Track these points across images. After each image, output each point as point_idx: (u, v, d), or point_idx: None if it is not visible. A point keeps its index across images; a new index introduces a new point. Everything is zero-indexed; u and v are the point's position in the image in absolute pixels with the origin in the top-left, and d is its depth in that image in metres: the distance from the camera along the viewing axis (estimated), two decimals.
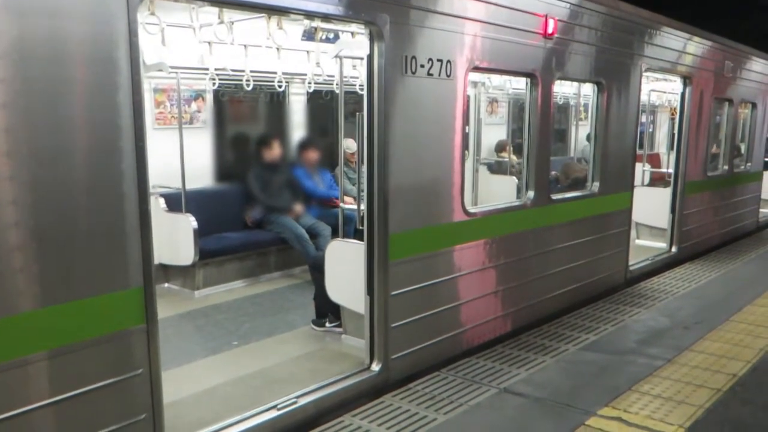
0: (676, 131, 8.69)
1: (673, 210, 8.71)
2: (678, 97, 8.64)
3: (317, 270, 5.47)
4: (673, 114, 10.91)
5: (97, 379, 3.10)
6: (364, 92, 4.39)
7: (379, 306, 4.53)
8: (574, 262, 6.55)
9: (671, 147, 9.16)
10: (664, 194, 8.83)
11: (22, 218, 2.79)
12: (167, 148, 6.38)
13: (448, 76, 4.78)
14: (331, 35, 5.92)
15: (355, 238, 5.06)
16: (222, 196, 7.27)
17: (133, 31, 3.05)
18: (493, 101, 10.42)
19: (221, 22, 5.11)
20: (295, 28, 5.72)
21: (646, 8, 7.31)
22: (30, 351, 2.87)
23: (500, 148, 9.96)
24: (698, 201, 9.17)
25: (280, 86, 6.98)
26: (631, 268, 7.68)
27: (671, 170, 8.77)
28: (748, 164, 11.12)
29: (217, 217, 6.94)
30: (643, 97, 7.95)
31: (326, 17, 4.08)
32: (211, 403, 4.21)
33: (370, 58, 4.29)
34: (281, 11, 4.00)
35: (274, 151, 7.21)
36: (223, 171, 7.47)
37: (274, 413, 3.98)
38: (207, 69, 6.57)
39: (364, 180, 4.47)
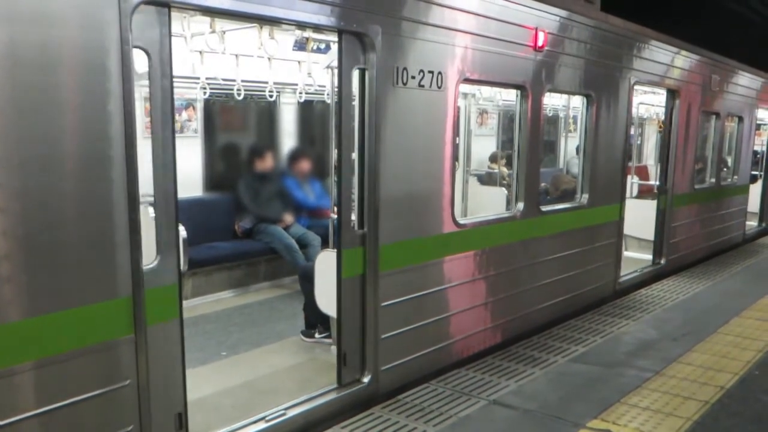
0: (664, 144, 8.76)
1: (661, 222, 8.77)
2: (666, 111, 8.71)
3: (307, 280, 5.46)
4: (660, 127, 11.01)
5: (84, 390, 3.07)
6: (356, 103, 4.40)
7: (369, 317, 4.52)
8: (564, 273, 6.57)
9: (659, 159, 9.23)
10: (652, 206, 8.89)
11: (9, 227, 2.76)
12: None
13: (439, 87, 4.80)
14: (323, 45, 5.93)
15: None
16: (212, 206, 7.24)
17: (125, 39, 3.04)
18: (483, 112, 10.47)
19: (213, 32, 5.11)
20: (286, 38, 5.73)
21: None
22: (16, 361, 2.84)
23: (494, 159, 9.99)
24: (686, 213, 9.24)
25: (271, 96, 6.98)
26: (619, 280, 7.71)
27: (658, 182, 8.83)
28: (735, 177, 11.23)
29: (206, 226, 6.91)
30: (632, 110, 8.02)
31: (318, 28, 4.09)
32: (199, 415, 4.18)
33: (362, 69, 4.30)
34: (273, 21, 4.00)
35: (267, 163, 7.20)
36: (213, 180, 7.45)
37: (262, 425, 3.95)
38: (198, 78, 6.56)
39: (355, 190, 4.47)
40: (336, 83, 4.31)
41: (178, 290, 3.51)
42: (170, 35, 3.31)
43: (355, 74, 4.33)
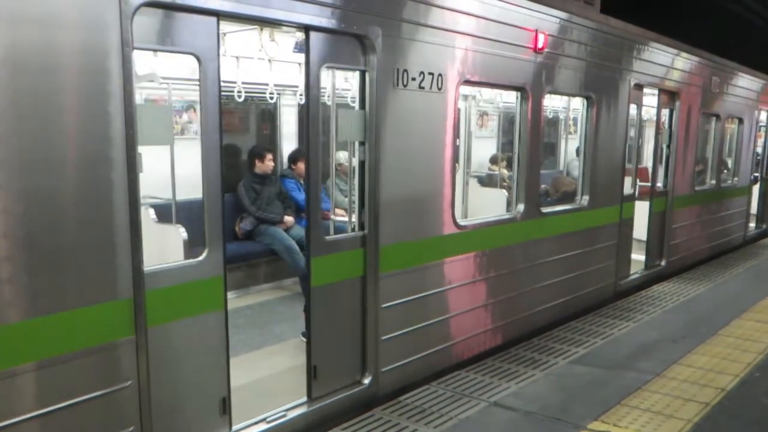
0: (663, 145, 8.75)
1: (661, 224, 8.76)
2: (666, 112, 8.71)
3: (307, 282, 5.44)
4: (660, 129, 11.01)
5: (84, 391, 3.07)
6: (356, 105, 4.40)
7: (370, 319, 4.52)
8: (564, 275, 6.57)
9: (659, 161, 9.22)
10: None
11: (10, 228, 2.77)
12: (158, 159, 6.34)
13: (440, 89, 4.81)
14: None
15: None
16: None
17: (126, 41, 3.05)
18: (483, 114, 10.46)
19: None
20: (287, 39, 5.73)
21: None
22: (16, 362, 2.85)
23: (494, 160, 9.98)
24: (686, 215, 9.23)
25: (271, 98, 6.98)
26: (620, 282, 7.71)
27: (659, 184, 8.82)
28: (735, 179, 11.23)
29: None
30: (632, 112, 8.03)
31: (319, 30, 4.09)
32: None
33: (363, 70, 4.31)
34: (273, 23, 4.01)
35: (267, 164, 7.20)
36: None
37: (263, 426, 3.96)
38: (199, 80, 6.55)
39: (356, 192, 4.48)
40: (341, 84, 4.30)
41: (223, 282, 3.66)
42: (219, 42, 3.52)
43: (355, 75, 4.33)
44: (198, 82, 3.49)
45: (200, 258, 3.60)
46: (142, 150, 3.28)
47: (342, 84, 4.97)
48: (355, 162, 4.45)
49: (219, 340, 3.71)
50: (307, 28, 3.97)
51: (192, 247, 3.96)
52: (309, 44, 4.01)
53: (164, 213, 6.55)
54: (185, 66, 6.21)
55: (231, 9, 3.49)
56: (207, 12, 3.41)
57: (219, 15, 3.48)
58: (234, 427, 3.85)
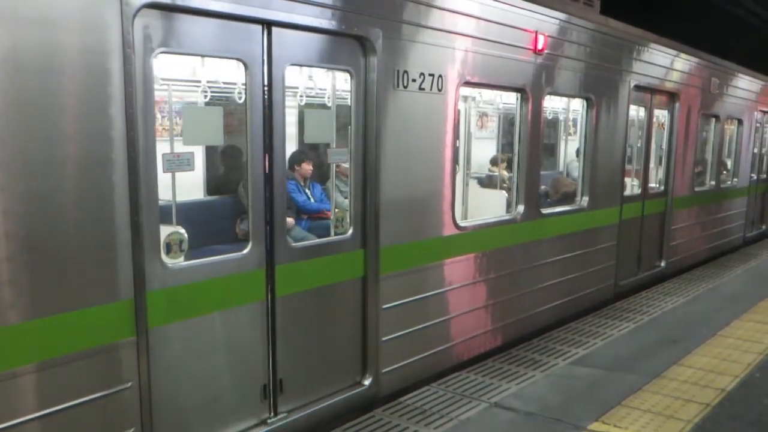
0: (665, 146, 8.77)
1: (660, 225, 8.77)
2: (666, 113, 8.72)
3: None
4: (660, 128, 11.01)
5: (85, 393, 3.08)
6: (357, 106, 4.41)
7: (371, 320, 4.52)
8: (564, 276, 6.57)
9: (659, 162, 9.23)
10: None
11: (11, 229, 2.77)
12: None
13: (440, 90, 4.82)
14: None
15: None
16: (213, 209, 7.22)
17: (127, 42, 3.06)
18: (483, 116, 10.46)
19: None
20: None
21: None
22: (17, 364, 2.85)
23: (494, 162, 9.97)
24: (685, 216, 9.24)
25: None
26: (620, 283, 7.71)
27: (655, 185, 8.82)
28: (735, 179, 11.24)
29: (208, 229, 6.89)
30: (632, 113, 8.03)
31: (317, 31, 4.10)
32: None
33: (363, 72, 4.31)
34: (274, 25, 4.01)
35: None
36: (214, 183, 7.44)
37: (264, 427, 3.95)
38: (199, 81, 6.55)
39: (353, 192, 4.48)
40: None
41: (265, 274, 3.81)
42: (263, 49, 3.72)
43: (346, 77, 4.34)
44: (245, 86, 3.76)
45: (245, 251, 3.76)
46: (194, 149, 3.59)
47: (342, 85, 4.96)
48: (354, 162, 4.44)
49: (262, 328, 3.87)
50: (269, 24, 3.80)
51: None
52: (272, 40, 3.86)
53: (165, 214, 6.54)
54: (186, 67, 6.23)
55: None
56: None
57: (271, 24, 3.72)
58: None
